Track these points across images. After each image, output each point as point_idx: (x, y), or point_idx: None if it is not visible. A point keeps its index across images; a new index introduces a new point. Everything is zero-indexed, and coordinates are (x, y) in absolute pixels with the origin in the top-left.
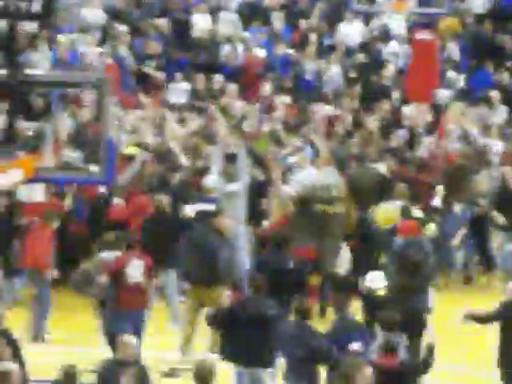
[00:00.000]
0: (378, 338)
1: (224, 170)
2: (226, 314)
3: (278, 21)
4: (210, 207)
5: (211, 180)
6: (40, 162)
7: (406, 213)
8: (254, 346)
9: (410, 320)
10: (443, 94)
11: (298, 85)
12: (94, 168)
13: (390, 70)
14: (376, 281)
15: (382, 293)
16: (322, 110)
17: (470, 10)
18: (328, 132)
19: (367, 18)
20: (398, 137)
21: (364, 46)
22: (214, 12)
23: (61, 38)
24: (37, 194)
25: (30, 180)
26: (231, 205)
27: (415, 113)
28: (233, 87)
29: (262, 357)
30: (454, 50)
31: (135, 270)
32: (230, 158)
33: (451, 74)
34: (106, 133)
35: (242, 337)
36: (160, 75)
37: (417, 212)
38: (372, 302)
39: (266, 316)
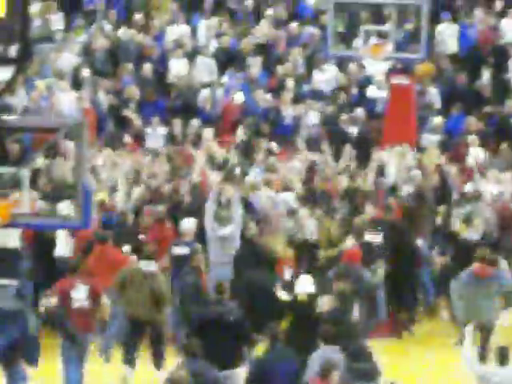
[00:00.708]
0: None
1: (216, 214)
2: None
3: (254, 66)
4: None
5: (187, 223)
6: (16, 208)
7: None
8: (221, 348)
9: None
10: (427, 139)
11: (275, 130)
12: (70, 213)
13: (359, 114)
14: (303, 285)
15: (304, 298)
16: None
17: (443, 54)
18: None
19: (344, 63)
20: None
21: (340, 92)
22: (191, 57)
23: (38, 82)
24: (12, 239)
25: (6, 225)
26: (223, 249)
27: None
28: (209, 132)
29: (231, 358)
30: (434, 95)
31: (80, 294)
32: (223, 203)
33: (437, 119)
34: (83, 178)
35: (210, 340)
36: (137, 120)
37: None
38: (294, 305)
39: (228, 319)
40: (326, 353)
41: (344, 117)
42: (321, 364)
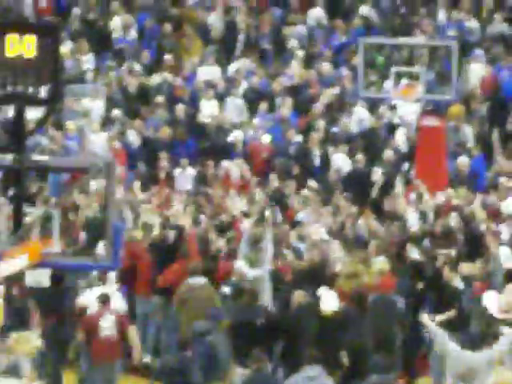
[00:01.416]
0: None
1: (248, 256)
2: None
3: (285, 107)
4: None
5: (238, 265)
6: (47, 247)
7: None
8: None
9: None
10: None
11: (305, 171)
12: (100, 253)
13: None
14: (326, 300)
15: (329, 313)
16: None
17: (473, 94)
18: None
19: (375, 104)
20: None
21: (371, 133)
22: (221, 98)
23: (69, 123)
24: (44, 279)
25: (37, 265)
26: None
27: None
28: (237, 171)
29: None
30: (467, 133)
31: (107, 323)
32: (255, 245)
33: (461, 159)
34: (112, 218)
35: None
36: (166, 161)
37: None
38: (319, 320)
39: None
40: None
41: (362, 158)
42: None
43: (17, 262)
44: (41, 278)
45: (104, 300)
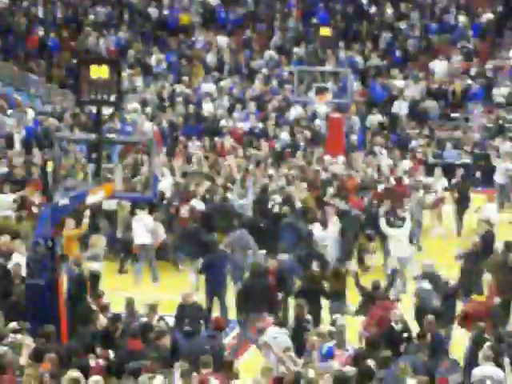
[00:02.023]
0: None
1: (238, 191)
2: None
3: (251, 107)
4: None
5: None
6: (115, 187)
7: None
8: None
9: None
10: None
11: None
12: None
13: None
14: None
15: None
16: None
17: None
18: None
19: (304, 105)
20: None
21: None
22: (214, 101)
23: (127, 115)
24: (113, 205)
25: (109, 197)
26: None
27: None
28: (227, 143)
29: None
30: (356, 121)
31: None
32: (243, 186)
33: (352, 136)
34: (154, 172)
35: None
36: (182, 137)
37: None
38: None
39: None
40: None
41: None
42: None
43: (98, 196)
44: (110, 205)
45: None
